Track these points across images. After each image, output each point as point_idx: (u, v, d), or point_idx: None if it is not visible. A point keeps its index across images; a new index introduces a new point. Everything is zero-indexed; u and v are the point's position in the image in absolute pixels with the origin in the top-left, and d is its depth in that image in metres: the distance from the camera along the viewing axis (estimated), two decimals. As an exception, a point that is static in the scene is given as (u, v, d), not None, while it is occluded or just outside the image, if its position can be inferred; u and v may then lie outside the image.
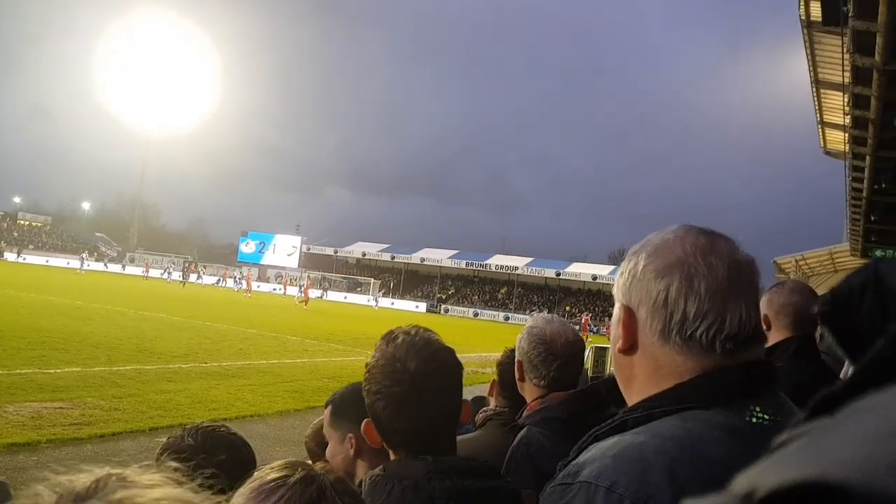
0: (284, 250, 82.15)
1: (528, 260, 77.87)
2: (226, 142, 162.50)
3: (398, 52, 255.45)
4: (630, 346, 1.10)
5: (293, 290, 65.50)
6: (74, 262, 63.16)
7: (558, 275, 73.79)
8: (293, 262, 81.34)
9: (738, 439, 0.97)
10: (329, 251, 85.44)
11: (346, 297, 68.42)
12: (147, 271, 61.72)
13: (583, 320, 51.57)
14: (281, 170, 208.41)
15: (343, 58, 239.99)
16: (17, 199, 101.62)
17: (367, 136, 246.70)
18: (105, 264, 71.83)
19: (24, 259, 65.90)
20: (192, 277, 62.24)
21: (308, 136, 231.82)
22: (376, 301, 63.83)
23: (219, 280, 66.17)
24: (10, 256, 63.99)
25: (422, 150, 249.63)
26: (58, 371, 11.19)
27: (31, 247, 75.89)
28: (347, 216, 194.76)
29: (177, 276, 59.44)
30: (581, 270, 72.80)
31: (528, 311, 66.80)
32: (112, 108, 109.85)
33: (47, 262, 66.53)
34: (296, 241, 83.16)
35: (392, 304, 68.07)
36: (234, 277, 63.39)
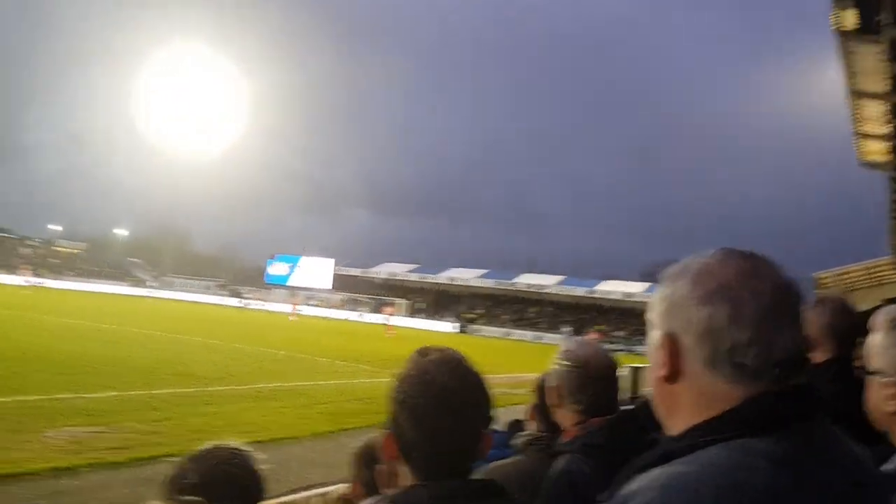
0: (312, 272, 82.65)
1: (559, 278, 77.40)
2: (251, 167, 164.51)
3: (417, 72, 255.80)
4: (673, 374, 1.08)
5: (328, 312, 66.02)
6: (122, 289, 65.36)
7: (590, 293, 73.19)
8: (323, 283, 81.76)
9: (785, 467, 0.95)
10: (356, 272, 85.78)
11: (420, 322, 68.54)
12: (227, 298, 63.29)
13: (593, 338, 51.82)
14: (304, 193, 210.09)
15: (362, 81, 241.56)
16: (54, 227, 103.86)
17: (389, 157, 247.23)
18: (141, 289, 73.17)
19: (85, 287, 67.62)
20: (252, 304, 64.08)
21: (330, 158, 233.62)
22: (460, 326, 63.45)
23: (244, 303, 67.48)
24: (48, 282, 65.08)
25: (444, 169, 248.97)
26: (96, 395, 11.36)
27: (69, 273, 77.23)
28: (373, 237, 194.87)
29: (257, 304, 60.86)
30: (613, 288, 72.09)
31: (559, 331, 66.29)
32: (145, 136, 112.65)
33: (114, 289, 68.91)
34: (323, 262, 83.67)
35: (417, 324, 67.89)
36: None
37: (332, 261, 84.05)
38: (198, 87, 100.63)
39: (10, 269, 68.52)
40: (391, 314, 47.65)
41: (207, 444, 1.70)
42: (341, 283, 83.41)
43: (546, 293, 76.04)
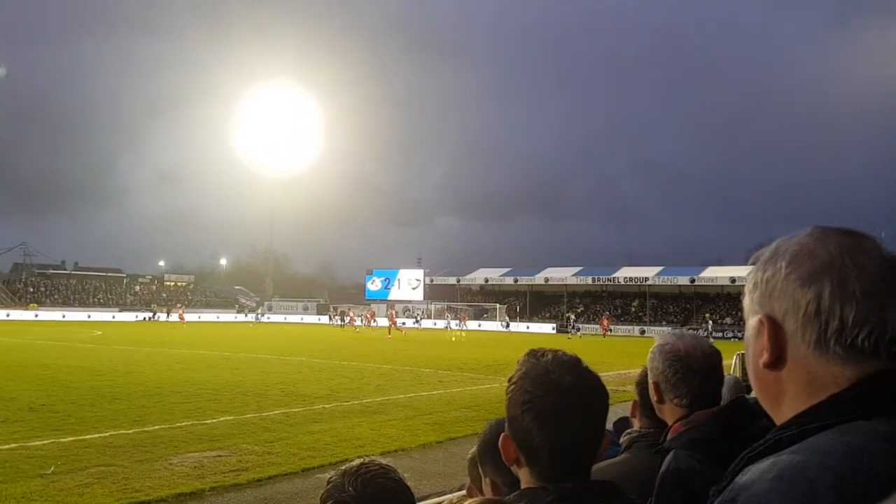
0: (409, 284, 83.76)
1: (659, 269, 75.41)
2: (341, 188, 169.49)
3: (493, 76, 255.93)
4: (777, 360, 1.02)
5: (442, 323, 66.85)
6: (229, 316, 68.96)
7: (693, 281, 70.83)
8: (418, 294, 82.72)
9: None
10: (452, 280, 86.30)
11: (479, 325, 68.95)
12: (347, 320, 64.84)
13: (603, 322, 60.10)
14: (393, 207, 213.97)
15: (439, 91, 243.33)
16: (161, 263, 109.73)
17: (471, 163, 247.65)
18: (246, 315, 76.07)
19: (200, 318, 71.92)
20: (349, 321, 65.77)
21: (414, 171, 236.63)
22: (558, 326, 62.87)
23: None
24: (161, 317, 68.50)
25: (527, 169, 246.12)
26: (213, 421, 11.86)
27: (178, 305, 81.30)
28: (465, 244, 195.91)
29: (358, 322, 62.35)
30: (717, 274, 69.49)
31: (664, 323, 64.67)
32: (238, 170, 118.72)
33: (222, 317, 73.73)
34: (418, 273, 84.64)
35: (528, 327, 67.96)
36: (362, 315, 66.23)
37: (422, 271, 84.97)
38: (287, 119, 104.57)
39: (123, 306, 73.16)
40: (394, 316, 50.95)
41: (356, 460, 1.77)
42: (439, 292, 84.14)
43: (647, 285, 74.25)
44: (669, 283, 73.73)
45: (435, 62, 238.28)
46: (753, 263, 1.08)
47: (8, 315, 57.59)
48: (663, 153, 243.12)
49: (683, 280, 71.88)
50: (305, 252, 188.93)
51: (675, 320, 68.41)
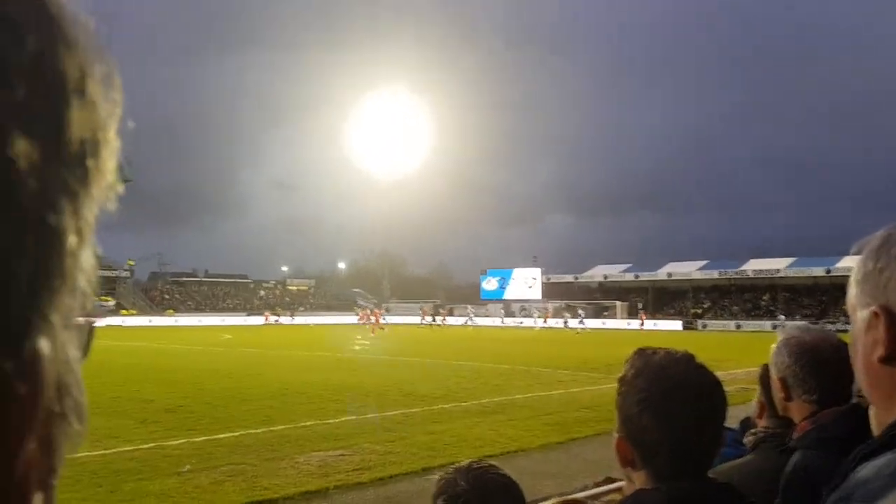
0: (525, 283, 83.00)
1: (791, 260, 71.36)
2: (453, 190, 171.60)
3: (604, 69, 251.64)
4: (894, 354, 0.94)
5: (548, 321, 66.37)
6: (348, 318, 71.70)
7: (828, 272, 66.46)
8: (535, 293, 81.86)
9: None
10: (569, 278, 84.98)
11: (604, 324, 67.71)
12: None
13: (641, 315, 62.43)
14: (503, 206, 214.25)
15: (548, 89, 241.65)
16: (284, 268, 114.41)
17: (584, 159, 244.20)
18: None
19: (316, 320, 74.11)
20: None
21: (524, 170, 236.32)
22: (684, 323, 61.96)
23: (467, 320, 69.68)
24: (284, 320, 71.05)
25: (641, 163, 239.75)
26: (335, 421, 12.22)
27: (301, 309, 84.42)
28: (579, 242, 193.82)
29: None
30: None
31: (798, 317, 61.16)
32: (354, 175, 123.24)
33: (341, 319, 75.35)
34: (535, 272, 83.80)
35: (642, 325, 66.14)
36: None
37: (539, 270, 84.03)
38: (399, 122, 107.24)
39: (250, 311, 76.77)
40: (377, 313, 52.70)
41: (465, 461, 1.81)
42: (555, 290, 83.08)
43: (778, 278, 70.38)
44: (803, 275, 69.57)
45: (543, 60, 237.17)
46: (858, 253, 1.03)
47: (150, 321, 61.14)
48: (788, 142, 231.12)
49: (818, 271, 67.56)
50: (420, 254, 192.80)
51: (810, 314, 64.55)
